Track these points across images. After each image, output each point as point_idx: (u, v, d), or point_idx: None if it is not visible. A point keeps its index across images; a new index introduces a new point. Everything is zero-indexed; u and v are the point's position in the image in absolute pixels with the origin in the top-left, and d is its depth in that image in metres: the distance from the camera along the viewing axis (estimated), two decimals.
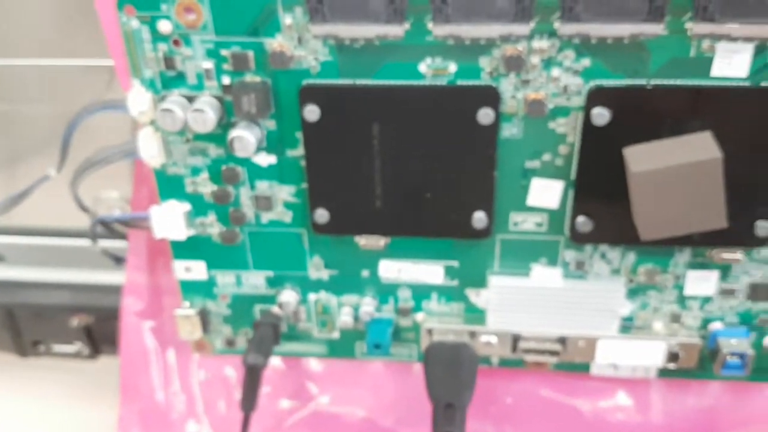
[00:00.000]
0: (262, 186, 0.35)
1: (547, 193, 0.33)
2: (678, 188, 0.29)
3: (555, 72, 0.30)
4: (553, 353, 0.37)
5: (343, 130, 0.32)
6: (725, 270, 0.34)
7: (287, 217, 0.35)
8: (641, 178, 0.29)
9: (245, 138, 0.32)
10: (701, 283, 0.35)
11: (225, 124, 0.33)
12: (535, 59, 0.30)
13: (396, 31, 0.29)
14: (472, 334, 0.38)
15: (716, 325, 0.36)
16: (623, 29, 0.28)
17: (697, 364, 0.36)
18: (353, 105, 0.31)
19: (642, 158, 0.30)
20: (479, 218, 0.34)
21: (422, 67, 0.30)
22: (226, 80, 0.32)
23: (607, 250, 0.35)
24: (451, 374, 0.36)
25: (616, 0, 0.27)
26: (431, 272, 0.37)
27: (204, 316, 0.40)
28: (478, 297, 0.37)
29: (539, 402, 0.39)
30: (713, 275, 0.34)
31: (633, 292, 0.36)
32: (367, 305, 0.38)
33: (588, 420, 0.39)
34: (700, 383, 0.38)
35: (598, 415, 0.38)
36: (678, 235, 0.30)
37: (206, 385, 0.42)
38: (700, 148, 0.29)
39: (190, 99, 0.32)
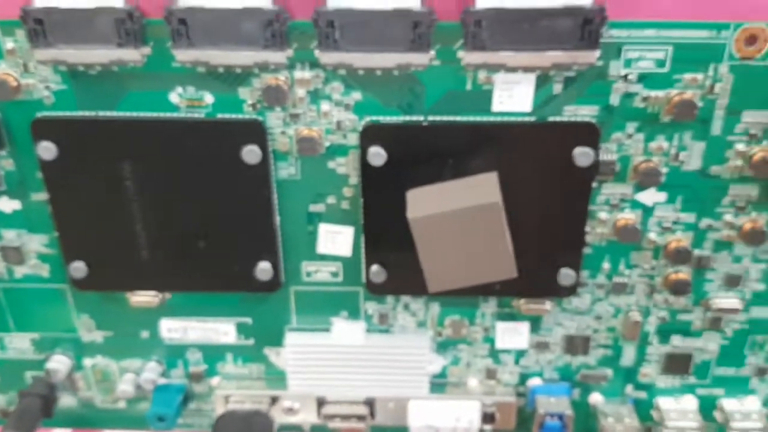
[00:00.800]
0: (9, 235, 0.30)
1: (337, 239, 0.30)
2: (458, 235, 0.26)
3: (325, 106, 0.27)
4: (360, 417, 0.33)
5: (88, 170, 0.27)
6: (535, 321, 0.31)
7: (44, 271, 0.30)
8: (418, 225, 0.26)
9: None
10: (512, 335, 0.32)
11: None
12: (299, 91, 0.26)
13: (133, 55, 0.25)
14: (274, 400, 0.34)
15: (535, 382, 0.33)
16: (388, 59, 0.25)
17: (517, 425, 0.33)
18: (95, 141, 0.27)
19: (422, 202, 0.27)
20: (263, 269, 0.30)
21: (173, 97, 0.26)
22: None
23: (410, 301, 0.31)
24: None
25: (378, 27, 0.24)
26: (222, 331, 0.32)
27: None
28: (278, 357, 0.33)
29: None
30: (523, 327, 0.31)
31: (442, 347, 0.32)
32: (150, 371, 0.33)
33: None
34: None
35: None
36: (468, 286, 0.27)
37: None
38: (480, 192, 0.26)
39: None
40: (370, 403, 0.33)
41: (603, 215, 0.28)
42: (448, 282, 0.27)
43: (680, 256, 0.29)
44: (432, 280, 0.27)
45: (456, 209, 0.26)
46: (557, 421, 0.32)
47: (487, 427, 0.33)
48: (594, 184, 0.27)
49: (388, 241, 0.29)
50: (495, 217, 0.26)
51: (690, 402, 0.32)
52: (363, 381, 0.32)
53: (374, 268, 0.29)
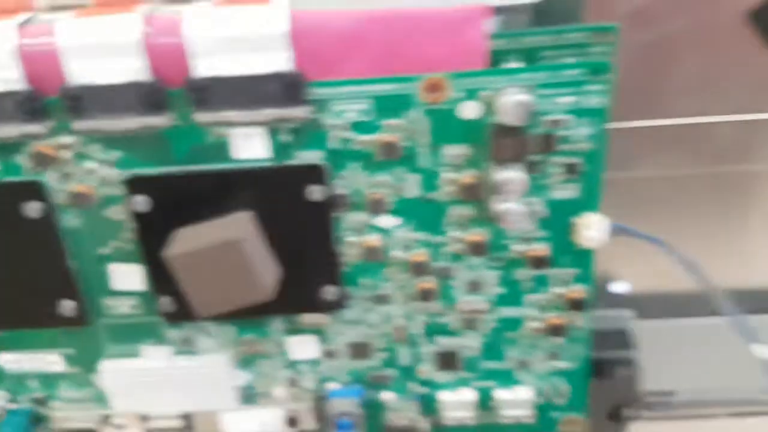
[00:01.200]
0: None
1: (128, 277, 0.34)
2: (212, 267, 0.30)
3: (90, 165, 0.31)
4: (180, 431, 0.38)
5: None
6: (320, 333, 0.36)
7: None
8: (174, 261, 0.30)
9: None
10: (303, 347, 0.36)
11: None
12: (65, 154, 0.31)
13: None
14: (105, 418, 0.38)
15: (331, 386, 0.37)
16: (133, 123, 0.29)
17: (320, 426, 0.38)
18: None
19: (180, 241, 0.31)
20: (67, 307, 0.34)
21: None
22: None
23: (208, 325, 0.36)
24: None
25: (118, 97, 0.29)
26: (51, 361, 0.37)
27: None
28: (102, 382, 0.37)
29: None
30: (311, 339, 0.36)
31: (245, 363, 0.36)
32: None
33: None
34: None
35: None
36: (235, 309, 0.31)
37: None
38: (229, 229, 0.31)
39: None
40: (186, 418, 0.37)
41: (351, 239, 0.33)
42: (214, 307, 0.31)
43: (421, 269, 0.33)
44: (198, 307, 0.31)
45: (205, 246, 0.30)
46: (348, 419, 0.36)
47: (293, 430, 0.37)
48: (336, 214, 0.32)
49: (170, 275, 0.33)
50: (239, 251, 0.30)
51: (467, 394, 0.37)
52: (178, 399, 0.37)
53: (163, 299, 0.34)
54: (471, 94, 0.29)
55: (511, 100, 0.28)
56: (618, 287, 0.41)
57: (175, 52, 0.29)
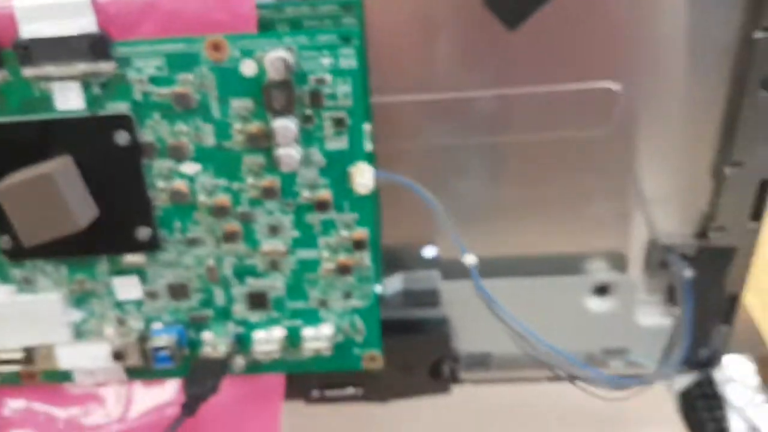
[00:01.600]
0: None
1: None
2: (31, 199, 0.35)
3: None
4: (20, 362, 0.42)
5: None
6: (142, 274, 0.41)
7: None
8: (1, 195, 0.36)
9: None
10: (127, 288, 0.41)
11: None
12: None
13: None
14: None
15: (156, 325, 0.42)
16: None
17: (142, 361, 0.42)
18: None
19: (9, 179, 0.36)
20: None
21: None
22: None
23: (45, 266, 0.40)
24: None
25: None
26: None
27: None
28: None
29: (28, 415, 0.43)
30: (133, 280, 0.41)
31: (78, 301, 0.41)
32: None
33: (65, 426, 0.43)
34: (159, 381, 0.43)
35: (73, 420, 0.43)
36: (56, 238, 0.36)
37: None
38: (46, 167, 0.36)
39: None
40: (27, 350, 0.42)
41: (161, 184, 0.38)
42: (36, 237, 0.36)
43: (225, 213, 0.38)
44: (22, 236, 0.36)
45: (24, 180, 0.35)
46: (167, 354, 0.41)
47: (119, 363, 0.41)
48: (145, 160, 0.37)
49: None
50: (51, 186, 0.35)
51: (277, 332, 0.41)
52: (20, 333, 0.41)
53: (3, 237, 0.39)
54: (247, 54, 0.35)
55: (272, 58, 0.34)
56: (429, 251, 0.46)
57: (8, 19, 0.35)
